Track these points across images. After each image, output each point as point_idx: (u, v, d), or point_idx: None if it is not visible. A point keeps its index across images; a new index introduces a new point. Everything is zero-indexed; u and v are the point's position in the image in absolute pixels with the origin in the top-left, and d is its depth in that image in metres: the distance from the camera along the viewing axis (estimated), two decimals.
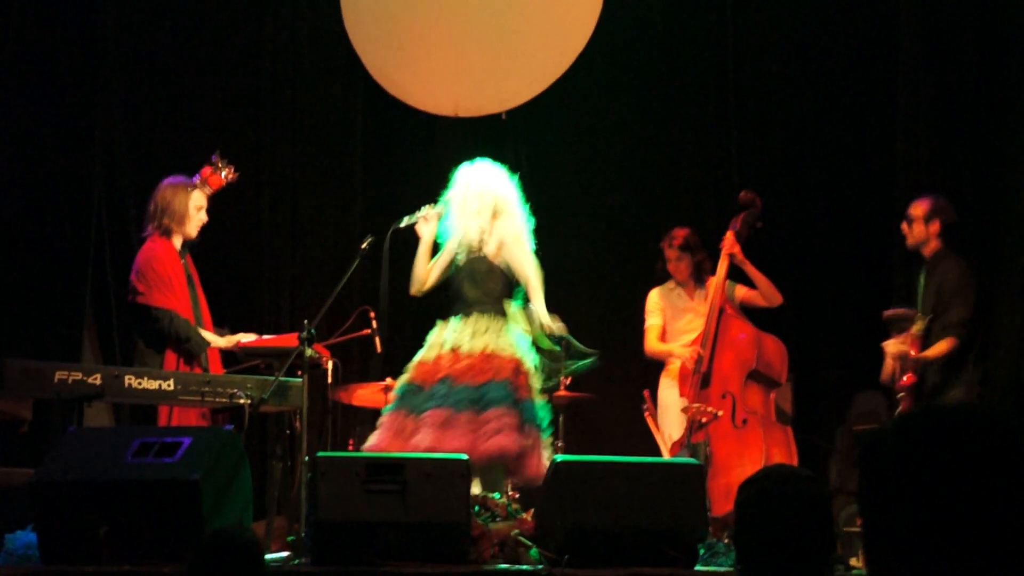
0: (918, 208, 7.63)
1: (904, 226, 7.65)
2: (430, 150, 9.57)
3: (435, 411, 6.92)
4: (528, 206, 7.40)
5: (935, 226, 7.58)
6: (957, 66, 8.70)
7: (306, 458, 6.42)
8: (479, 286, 7.23)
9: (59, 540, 5.49)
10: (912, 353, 7.32)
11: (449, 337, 7.12)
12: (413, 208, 7.47)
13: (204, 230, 7.58)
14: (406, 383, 7.12)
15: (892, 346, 7.43)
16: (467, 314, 7.19)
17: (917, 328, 7.33)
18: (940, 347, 7.34)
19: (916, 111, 8.77)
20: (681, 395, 7.97)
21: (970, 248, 8.10)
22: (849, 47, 9.24)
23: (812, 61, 9.30)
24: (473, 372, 6.96)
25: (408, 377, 7.13)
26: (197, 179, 7.55)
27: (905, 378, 7.37)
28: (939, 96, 8.72)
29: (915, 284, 7.80)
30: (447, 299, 7.35)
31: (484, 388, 6.93)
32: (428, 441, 6.78)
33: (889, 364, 7.54)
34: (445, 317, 7.28)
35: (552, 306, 7.60)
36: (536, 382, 7.14)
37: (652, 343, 8.32)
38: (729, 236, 8.08)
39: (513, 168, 7.85)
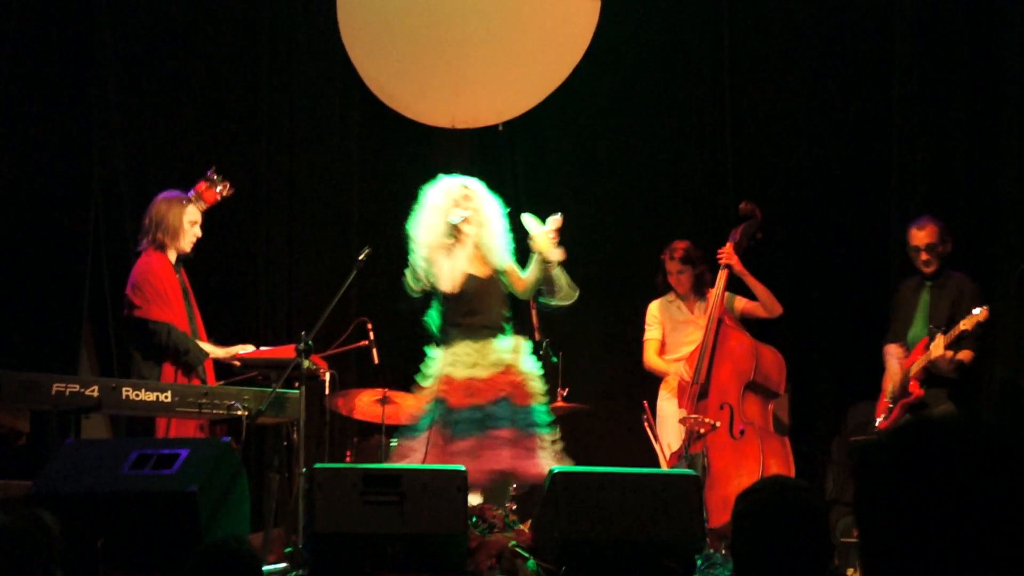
0: (929, 235, 7.68)
1: (924, 256, 7.67)
2: (427, 162, 9.57)
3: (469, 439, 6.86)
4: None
5: (949, 245, 7.68)
6: (951, 75, 8.73)
7: (303, 469, 6.42)
8: (503, 303, 7.22)
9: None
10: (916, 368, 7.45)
11: (505, 357, 7.07)
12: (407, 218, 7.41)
13: (200, 243, 7.58)
14: (462, 407, 6.93)
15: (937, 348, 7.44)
16: (499, 332, 7.15)
17: (941, 341, 7.38)
18: (965, 355, 7.45)
19: (912, 121, 8.80)
20: (679, 406, 7.98)
21: (966, 256, 8.14)
22: (844, 58, 9.25)
23: (807, 73, 9.31)
24: (504, 390, 6.97)
25: (454, 400, 6.95)
26: (192, 193, 7.56)
27: (912, 387, 7.47)
28: (934, 108, 8.75)
29: (911, 300, 7.81)
30: (467, 313, 7.15)
31: (529, 409, 6.97)
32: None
33: (897, 371, 7.59)
34: (474, 334, 7.10)
35: (550, 317, 7.62)
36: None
37: (650, 357, 8.32)
38: (728, 247, 8.09)
39: (510, 179, 7.86)
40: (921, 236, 7.72)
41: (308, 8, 9.70)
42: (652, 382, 8.35)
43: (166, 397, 6.81)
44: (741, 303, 8.22)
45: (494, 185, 7.43)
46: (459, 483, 5.85)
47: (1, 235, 8.84)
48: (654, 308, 8.40)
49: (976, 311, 7.32)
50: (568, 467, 6.46)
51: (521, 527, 6.37)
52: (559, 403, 8.10)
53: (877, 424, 7.67)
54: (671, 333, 8.33)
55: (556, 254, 7.03)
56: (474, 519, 6.20)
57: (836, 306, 9.11)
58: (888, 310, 8.16)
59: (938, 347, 7.40)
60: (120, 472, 5.65)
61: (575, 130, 9.72)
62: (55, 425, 7.85)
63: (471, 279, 7.12)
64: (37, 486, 5.70)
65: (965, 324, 7.33)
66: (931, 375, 7.55)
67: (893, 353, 7.76)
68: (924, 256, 7.71)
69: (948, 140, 8.72)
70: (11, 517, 2.52)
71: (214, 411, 6.88)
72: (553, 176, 9.62)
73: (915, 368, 7.55)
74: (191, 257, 7.58)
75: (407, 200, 9.36)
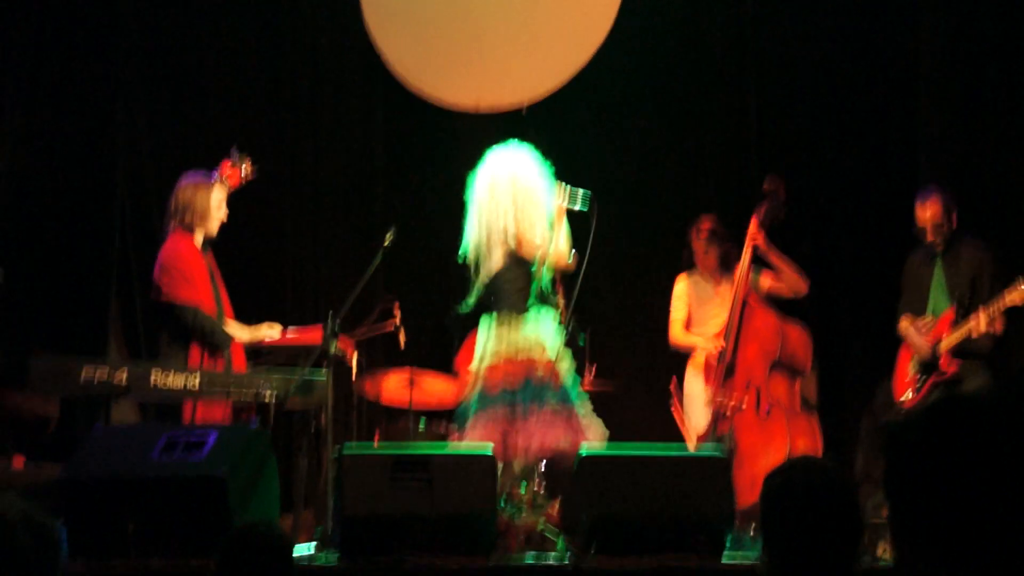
0: (933, 214, 7.57)
1: (930, 232, 7.57)
2: (451, 145, 9.58)
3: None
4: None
5: (955, 216, 7.58)
6: (979, 47, 8.68)
7: (334, 451, 6.44)
8: None
9: (87, 536, 5.52)
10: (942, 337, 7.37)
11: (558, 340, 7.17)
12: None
13: (227, 226, 7.59)
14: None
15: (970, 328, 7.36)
16: None
17: (983, 317, 7.27)
18: (1000, 325, 7.32)
19: (939, 97, 8.76)
20: (706, 385, 7.96)
21: (994, 230, 8.09)
22: (870, 31, 9.20)
23: (833, 47, 9.26)
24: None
25: (543, 375, 7.01)
26: (216, 175, 7.56)
27: (943, 364, 7.39)
28: (961, 80, 8.71)
29: (923, 274, 7.73)
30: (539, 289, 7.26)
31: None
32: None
33: (924, 345, 7.52)
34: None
35: (576, 297, 7.61)
36: None
37: (676, 334, 8.31)
38: (753, 224, 8.06)
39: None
40: (925, 215, 7.62)
41: None
42: (679, 360, 8.34)
43: (194, 382, 6.83)
44: (767, 281, 8.20)
45: None
46: (487, 465, 5.86)
47: (28, 221, 8.88)
48: (681, 285, 8.38)
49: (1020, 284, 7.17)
50: (596, 449, 6.46)
51: (550, 508, 6.38)
52: (587, 383, 8.10)
53: (903, 401, 7.60)
54: (697, 309, 8.32)
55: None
56: (503, 500, 6.21)
57: (863, 283, 9.07)
58: None
59: (982, 322, 7.25)
60: (150, 457, 5.68)
61: (599, 111, 9.69)
62: (84, 410, 7.91)
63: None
64: (67, 471, 5.73)
65: (1012, 297, 7.16)
66: (962, 349, 7.44)
67: (914, 326, 7.66)
68: (931, 235, 7.61)
69: (976, 113, 8.67)
70: (9, 512, 2.50)
71: (242, 396, 6.90)
72: (578, 159, 9.58)
73: (947, 344, 7.44)
74: (217, 240, 7.58)
75: (431, 182, 9.40)
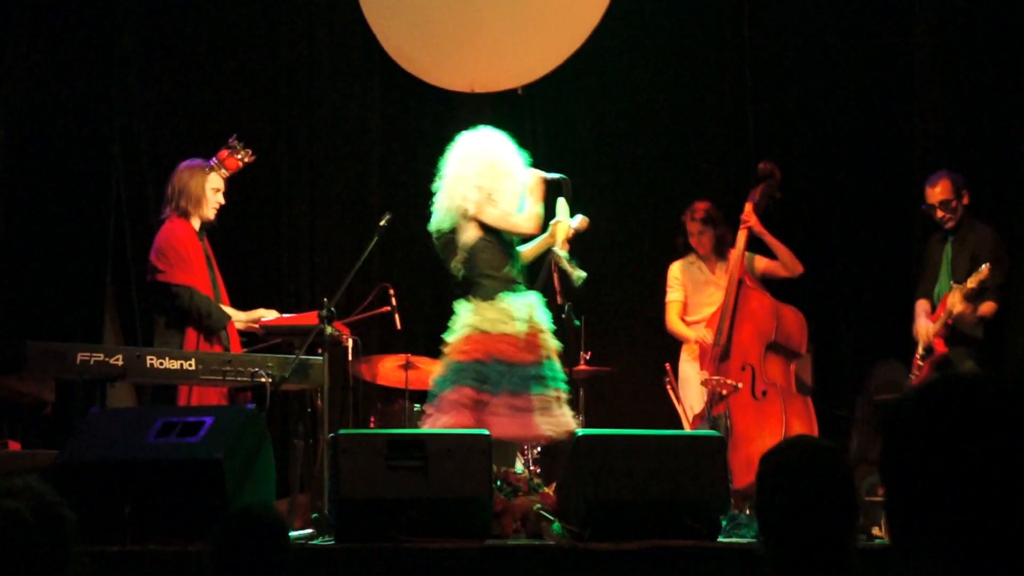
0: (942, 191, 7.63)
1: (940, 213, 7.63)
2: (447, 127, 9.55)
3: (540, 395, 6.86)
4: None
5: (966, 198, 7.63)
6: (974, 29, 8.67)
7: (329, 435, 6.44)
8: None
9: (83, 521, 5.50)
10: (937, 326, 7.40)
11: (540, 316, 7.06)
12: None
13: (223, 211, 7.60)
14: (513, 361, 6.89)
15: (955, 298, 7.37)
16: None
17: (957, 296, 7.34)
18: (987, 307, 7.39)
19: (933, 79, 8.75)
20: (701, 368, 7.98)
21: (988, 213, 8.11)
22: (866, 15, 9.20)
23: (829, 30, 9.26)
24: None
25: (510, 355, 6.87)
26: (214, 161, 7.57)
27: (936, 345, 7.44)
28: (956, 64, 8.70)
29: (936, 255, 7.78)
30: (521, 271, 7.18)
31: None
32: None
33: (923, 328, 7.57)
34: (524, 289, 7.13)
35: (571, 280, 7.63)
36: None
37: (672, 320, 8.30)
38: (748, 207, 8.07)
39: (530, 143, 7.83)
40: (935, 193, 7.69)
41: None
42: (674, 344, 8.35)
43: (190, 365, 6.84)
44: (762, 263, 8.20)
45: None
46: (483, 447, 5.86)
47: (24, 205, 8.87)
48: (675, 269, 8.38)
49: (982, 267, 7.27)
50: (592, 430, 6.46)
51: (546, 490, 6.38)
52: (582, 366, 8.11)
53: (911, 380, 7.66)
54: (692, 294, 8.32)
55: (561, 246, 7.04)
56: (499, 483, 6.21)
57: (858, 264, 9.08)
58: (910, 267, 8.14)
59: (954, 303, 7.36)
60: (146, 440, 5.67)
61: (594, 93, 9.68)
62: (80, 394, 7.91)
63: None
64: (63, 455, 5.73)
65: (972, 282, 7.29)
66: (954, 332, 7.51)
67: (920, 309, 7.73)
68: (940, 213, 7.68)
69: (970, 94, 8.67)
70: (23, 503, 2.49)
71: (238, 378, 6.90)
72: (573, 140, 9.59)
73: (938, 325, 7.51)
74: (215, 225, 7.59)
75: (427, 165, 9.38)
